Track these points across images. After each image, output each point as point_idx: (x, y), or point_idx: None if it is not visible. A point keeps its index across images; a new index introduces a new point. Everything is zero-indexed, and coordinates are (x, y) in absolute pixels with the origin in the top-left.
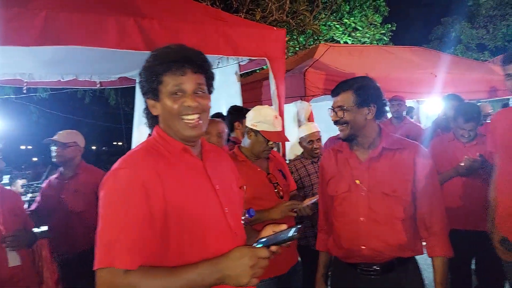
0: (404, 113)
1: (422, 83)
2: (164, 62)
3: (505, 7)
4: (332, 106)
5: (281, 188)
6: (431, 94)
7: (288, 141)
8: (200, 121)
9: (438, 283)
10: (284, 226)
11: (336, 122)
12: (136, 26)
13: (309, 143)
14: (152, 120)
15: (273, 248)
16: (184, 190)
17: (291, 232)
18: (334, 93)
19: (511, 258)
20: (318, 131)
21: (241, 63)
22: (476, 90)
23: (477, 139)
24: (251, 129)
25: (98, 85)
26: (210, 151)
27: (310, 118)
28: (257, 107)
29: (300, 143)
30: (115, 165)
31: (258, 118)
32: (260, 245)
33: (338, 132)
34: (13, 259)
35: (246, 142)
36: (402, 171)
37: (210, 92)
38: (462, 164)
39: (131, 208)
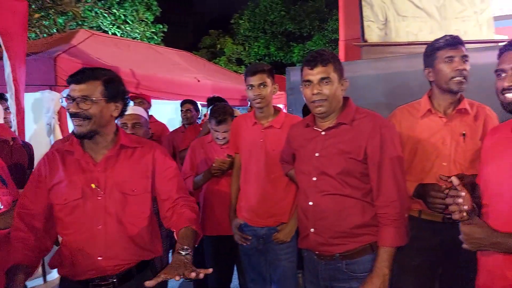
0: (149, 111)
1: (186, 86)
2: None
3: (257, 30)
4: (70, 94)
5: None
6: (193, 97)
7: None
8: None
9: None
10: None
11: (75, 115)
12: None
13: (123, 126)
14: None
15: None
16: None
17: None
18: (76, 79)
19: (245, 242)
20: (140, 115)
21: None
22: (230, 97)
23: None
24: None
25: None
26: None
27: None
28: None
29: None
30: None
31: None
32: None
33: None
34: None
35: None
36: (142, 169)
37: None
38: (214, 165)
39: None
